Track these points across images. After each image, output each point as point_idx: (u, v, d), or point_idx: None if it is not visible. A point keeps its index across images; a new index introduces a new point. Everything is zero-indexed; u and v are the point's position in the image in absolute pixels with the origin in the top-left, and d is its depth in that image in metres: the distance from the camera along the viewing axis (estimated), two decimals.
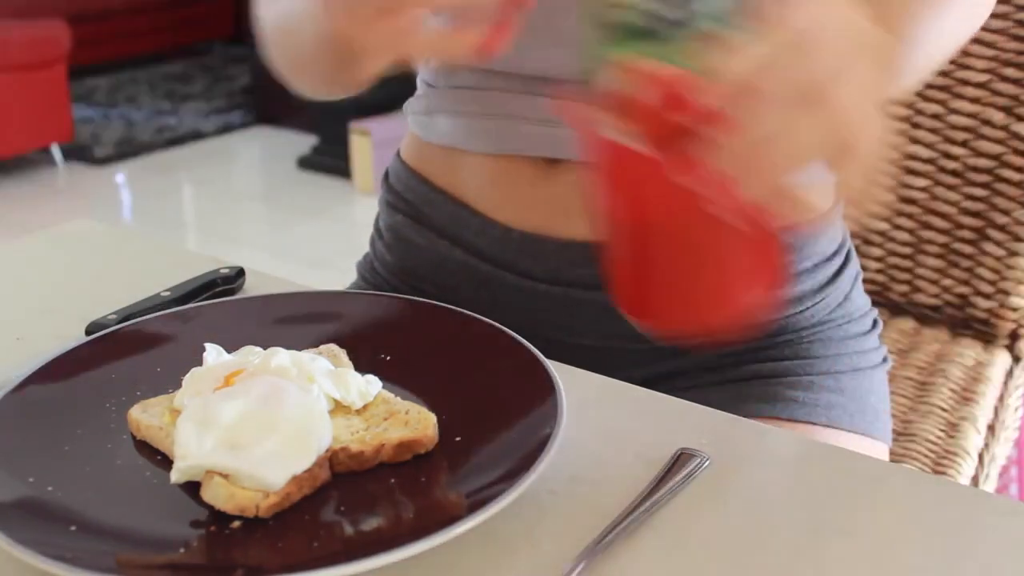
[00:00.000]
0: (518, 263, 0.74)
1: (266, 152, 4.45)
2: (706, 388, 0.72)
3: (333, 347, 0.60)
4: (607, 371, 0.64)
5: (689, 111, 0.35)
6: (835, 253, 0.74)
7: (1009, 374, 1.03)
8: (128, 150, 4.30)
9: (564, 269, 0.72)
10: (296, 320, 0.66)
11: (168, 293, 0.72)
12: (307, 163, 4.08)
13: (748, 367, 0.72)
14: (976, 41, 1.00)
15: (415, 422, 0.53)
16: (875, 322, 0.78)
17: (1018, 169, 1.01)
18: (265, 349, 0.57)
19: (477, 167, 0.74)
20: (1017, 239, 1.02)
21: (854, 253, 0.78)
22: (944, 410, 0.95)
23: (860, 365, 0.74)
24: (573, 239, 0.71)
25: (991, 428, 0.95)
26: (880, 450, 0.74)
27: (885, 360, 0.78)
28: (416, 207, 0.80)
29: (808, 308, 0.73)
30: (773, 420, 0.69)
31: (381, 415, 0.54)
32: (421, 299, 0.67)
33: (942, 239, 1.06)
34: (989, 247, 1.04)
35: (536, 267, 0.73)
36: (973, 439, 0.92)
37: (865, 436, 0.72)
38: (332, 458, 0.51)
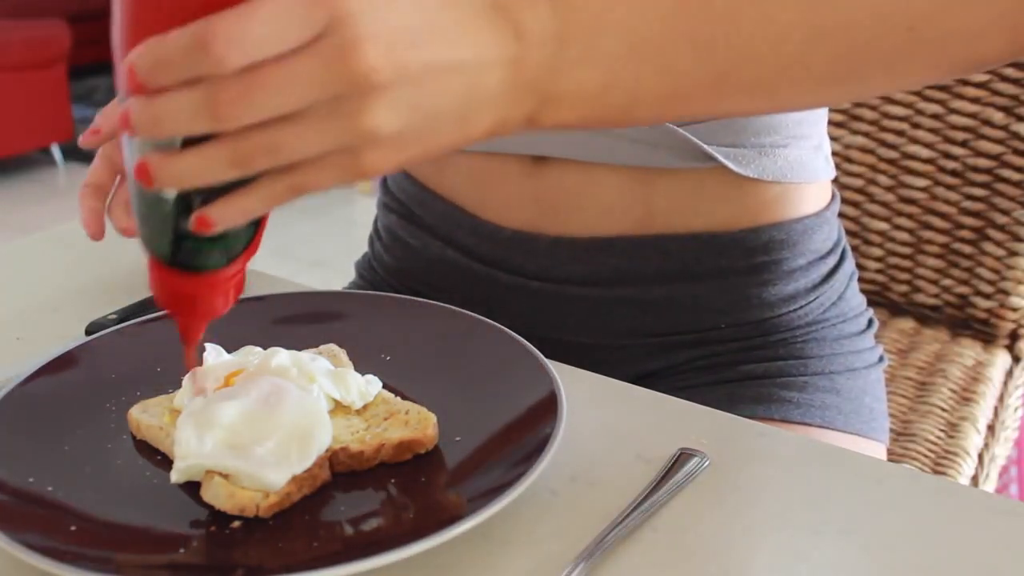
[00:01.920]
0: (510, 261, 0.74)
1: None
2: (700, 389, 0.72)
3: (333, 347, 0.60)
4: (600, 368, 0.64)
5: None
6: (829, 252, 0.74)
7: (1009, 374, 1.03)
8: None
9: (556, 266, 0.72)
10: (296, 320, 0.66)
11: None
12: None
13: (742, 367, 0.72)
14: None
15: (415, 422, 0.53)
16: (870, 321, 0.78)
17: (1018, 169, 1.01)
18: (265, 349, 0.57)
19: (464, 166, 0.74)
20: (1017, 239, 1.02)
21: (849, 252, 0.78)
22: (944, 410, 0.95)
23: (855, 365, 0.74)
24: (563, 236, 0.71)
25: (991, 428, 0.95)
26: (876, 450, 0.74)
27: (881, 360, 0.78)
28: (409, 208, 0.80)
29: (802, 307, 0.73)
30: (768, 421, 0.69)
31: (381, 415, 0.54)
32: (421, 299, 0.67)
33: (942, 239, 1.06)
34: (989, 247, 1.04)
35: (528, 265, 0.73)
36: (973, 439, 0.92)
37: (860, 436, 0.72)
38: (332, 458, 0.51)
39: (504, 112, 0.44)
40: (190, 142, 0.40)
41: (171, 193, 0.42)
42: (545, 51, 0.43)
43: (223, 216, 0.42)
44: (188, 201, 0.43)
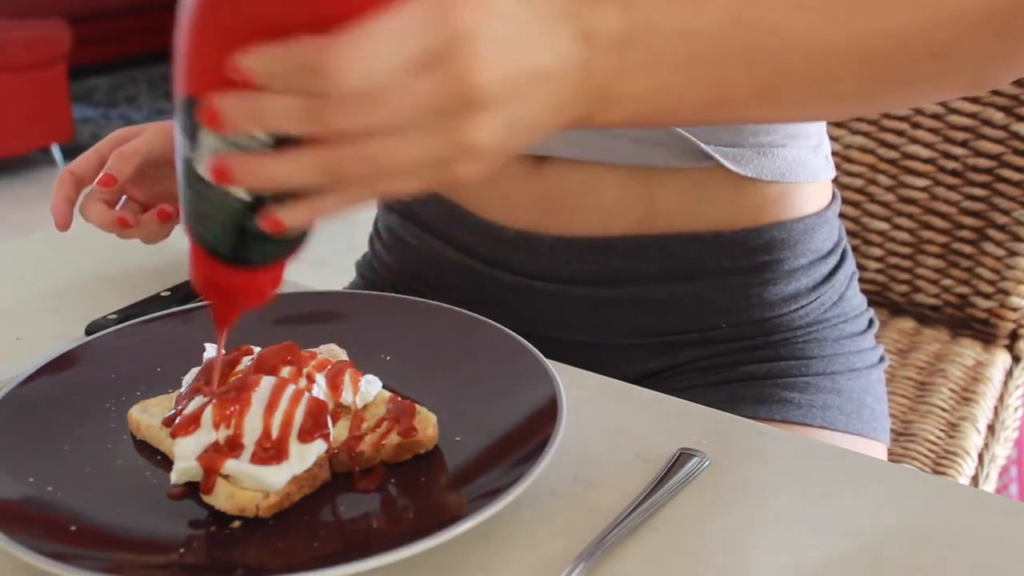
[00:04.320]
0: (511, 261, 0.74)
1: None
2: (701, 389, 0.72)
3: (333, 347, 0.60)
4: (601, 368, 0.64)
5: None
6: (830, 252, 0.74)
7: (1009, 374, 1.03)
8: None
9: (557, 266, 0.72)
10: (296, 320, 0.66)
11: (168, 293, 0.72)
12: None
13: (743, 367, 0.72)
14: None
15: (415, 422, 0.53)
16: (871, 322, 0.78)
17: (1018, 169, 1.01)
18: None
19: None
20: (1017, 239, 1.02)
21: (850, 252, 0.78)
22: (944, 410, 0.95)
23: (856, 365, 0.74)
24: (565, 235, 0.71)
25: (991, 428, 0.95)
26: (877, 450, 0.74)
27: (882, 360, 0.78)
28: (410, 207, 0.80)
29: (803, 307, 0.73)
30: (769, 421, 0.69)
31: (381, 415, 0.54)
32: (421, 299, 0.67)
33: (942, 239, 1.06)
34: (989, 247, 1.04)
35: (529, 264, 0.73)
36: (973, 439, 0.92)
37: (862, 436, 0.72)
38: (332, 458, 0.51)
39: (567, 115, 0.44)
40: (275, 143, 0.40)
41: (242, 192, 0.42)
42: (611, 57, 0.44)
43: (297, 218, 0.42)
44: (259, 200, 0.42)
